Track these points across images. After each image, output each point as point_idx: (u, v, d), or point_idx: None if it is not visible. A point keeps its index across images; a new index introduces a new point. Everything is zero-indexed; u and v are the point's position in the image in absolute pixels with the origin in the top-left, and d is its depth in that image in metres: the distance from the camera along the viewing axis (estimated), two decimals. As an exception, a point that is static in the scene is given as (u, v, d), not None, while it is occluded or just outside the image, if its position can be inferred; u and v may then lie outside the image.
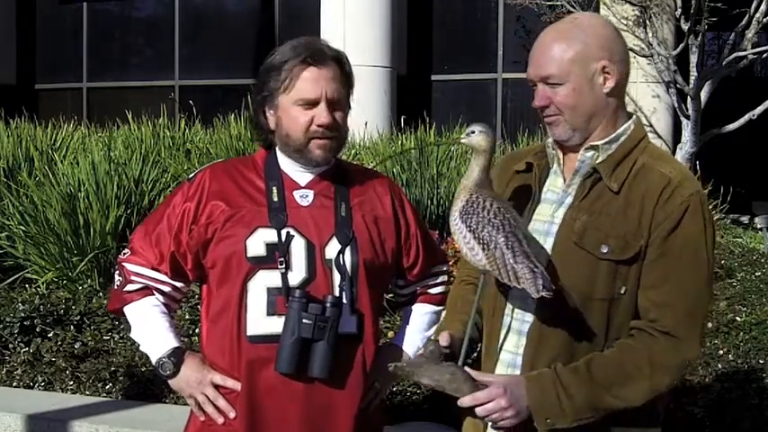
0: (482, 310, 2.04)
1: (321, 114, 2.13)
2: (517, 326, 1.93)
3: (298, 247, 2.13)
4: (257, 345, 2.11)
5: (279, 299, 2.11)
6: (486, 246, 1.81)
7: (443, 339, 1.93)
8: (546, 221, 1.94)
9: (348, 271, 2.13)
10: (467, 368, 1.88)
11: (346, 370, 2.14)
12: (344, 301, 2.12)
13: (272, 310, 2.11)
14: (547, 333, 1.88)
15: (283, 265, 2.10)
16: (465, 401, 1.83)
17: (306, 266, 2.12)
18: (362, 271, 2.15)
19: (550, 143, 2.00)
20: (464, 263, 2.12)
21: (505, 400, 1.81)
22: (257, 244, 2.12)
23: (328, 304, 2.08)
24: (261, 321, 2.12)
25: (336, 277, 2.13)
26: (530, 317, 1.91)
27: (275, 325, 2.09)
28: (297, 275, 2.12)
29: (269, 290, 2.11)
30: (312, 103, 2.13)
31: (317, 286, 2.12)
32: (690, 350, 1.85)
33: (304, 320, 2.06)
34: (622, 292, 1.85)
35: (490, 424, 1.92)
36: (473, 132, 1.92)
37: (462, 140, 1.93)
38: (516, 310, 1.94)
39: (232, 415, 2.15)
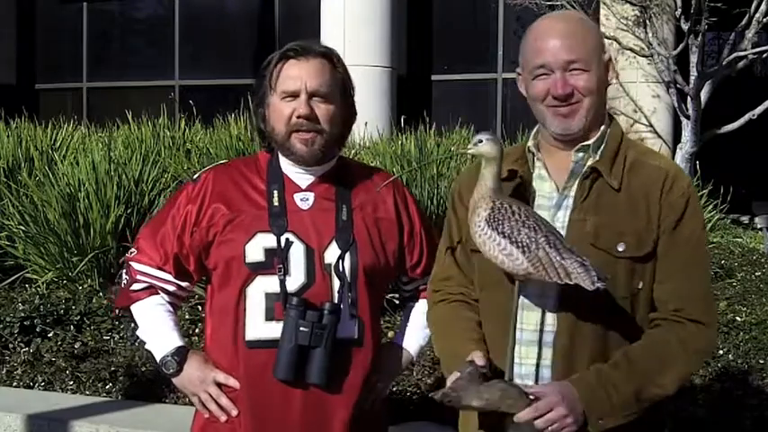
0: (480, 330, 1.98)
1: (300, 106, 2.12)
2: (532, 337, 1.89)
3: (297, 253, 2.12)
4: (256, 350, 2.12)
5: (277, 304, 2.11)
6: (526, 248, 1.77)
7: (480, 359, 1.84)
8: None
9: (347, 276, 2.13)
10: (515, 381, 1.84)
11: (345, 374, 2.14)
12: (343, 306, 2.12)
13: (270, 316, 2.12)
14: (578, 339, 1.85)
15: (282, 272, 2.10)
16: (524, 415, 1.76)
17: (305, 271, 2.12)
18: (362, 275, 2.15)
19: (532, 147, 1.98)
20: (441, 281, 2.07)
21: (564, 408, 1.76)
22: (256, 249, 2.12)
23: (326, 312, 2.08)
24: (259, 326, 2.12)
25: (336, 282, 2.13)
26: (550, 326, 1.87)
27: (273, 330, 2.10)
28: (295, 281, 2.12)
29: (267, 295, 2.12)
30: (293, 95, 2.13)
31: (316, 291, 2.12)
32: (714, 335, 1.94)
33: (301, 328, 2.06)
34: (640, 287, 1.87)
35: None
36: (480, 141, 1.87)
37: (470, 151, 1.88)
38: (528, 321, 1.89)
39: (234, 413, 2.16)
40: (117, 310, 2.38)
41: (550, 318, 1.88)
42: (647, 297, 1.88)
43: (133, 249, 2.29)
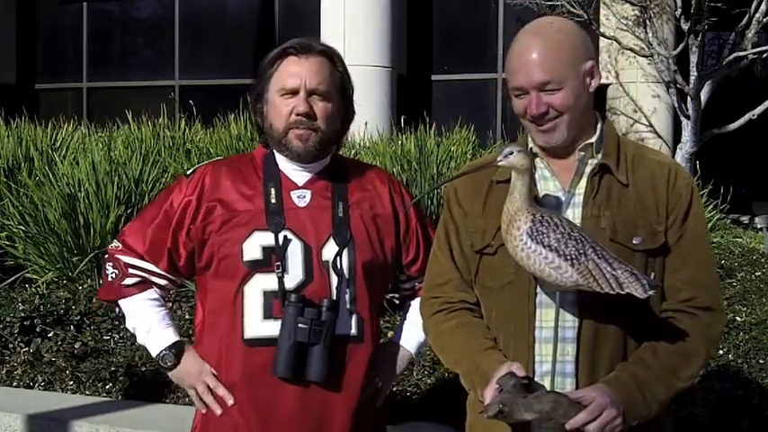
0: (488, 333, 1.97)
1: (299, 103, 2.14)
2: (550, 334, 1.89)
3: (294, 250, 2.12)
4: (254, 348, 2.12)
5: (275, 302, 2.11)
6: (575, 260, 1.75)
7: (520, 370, 1.81)
8: None
9: (345, 273, 2.13)
10: (561, 390, 1.83)
11: (344, 371, 2.14)
12: (342, 302, 2.12)
13: (268, 314, 2.11)
14: (602, 333, 1.88)
15: (280, 269, 2.10)
16: (579, 419, 1.74)
17: (303, 269, 2.12)
18: (360, 272, 2.15)
19: (534, 148, 1.99)
20: (438, 286, 2.04)
21: (615, 409, 1.78)
22: (253, 247, 2.12)
23: (324, 308, 2.08)
24: (257, 325, 2.12)
25: (334, 279, 2.13)
26: (569, 321, 1.88)
27: (271, 328, 2.10)
28: (293, 278, 2.11)
29: (265, 293, 2.12)
30: (292, 93, 2.15)
31: (315, 288, 2.11)
32: (724, 319, 2.02)
33: (300, 325, 2.06)
34: (653, 278, 1.88)
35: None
36: (511, 153, 1.84)
37: (501, 163, 1.86)
38: (547, 318, 1.90)
39: (230, 402, 2.15)
40: (116, 309, 2.35)
41: (568, 313, 1.88)
42: (659, 287, 1.90)
43: (117, 243, 2.27)
